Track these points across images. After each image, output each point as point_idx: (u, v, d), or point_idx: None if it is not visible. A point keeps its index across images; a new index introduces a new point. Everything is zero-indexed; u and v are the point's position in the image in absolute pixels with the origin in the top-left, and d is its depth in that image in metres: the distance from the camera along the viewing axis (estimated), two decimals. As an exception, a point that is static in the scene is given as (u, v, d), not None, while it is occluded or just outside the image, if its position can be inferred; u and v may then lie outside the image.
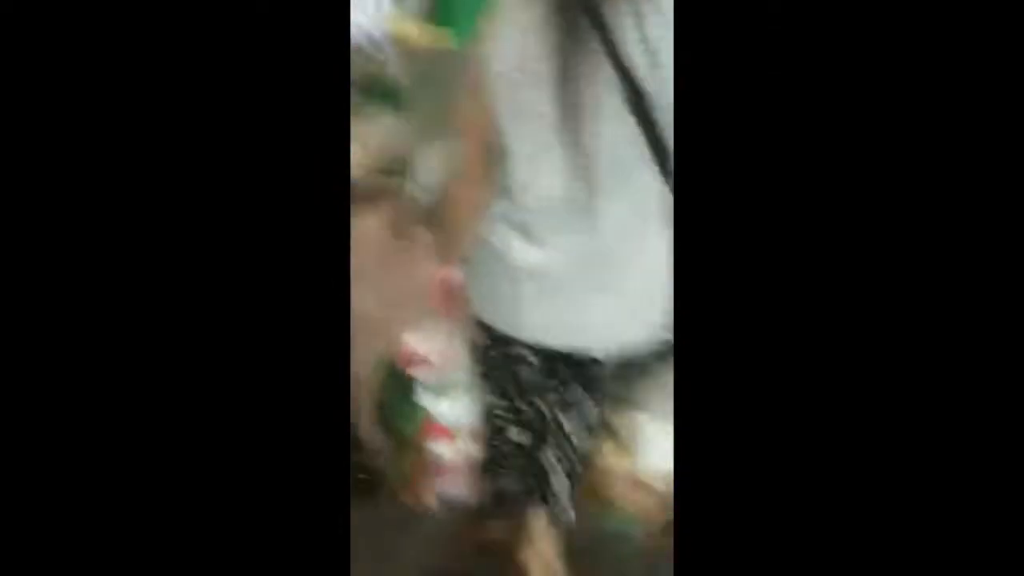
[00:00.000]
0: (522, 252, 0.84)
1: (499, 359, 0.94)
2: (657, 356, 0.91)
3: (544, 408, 0.95)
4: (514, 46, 0.75)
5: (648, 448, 0.97)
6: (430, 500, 1.01)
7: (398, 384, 1.01)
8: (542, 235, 0.82)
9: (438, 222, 1.03)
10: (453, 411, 1.00)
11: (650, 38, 0.69)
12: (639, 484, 0.98)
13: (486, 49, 0.77)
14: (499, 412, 0.97)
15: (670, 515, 0.95)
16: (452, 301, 1.00)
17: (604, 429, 0.98)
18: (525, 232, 0.83)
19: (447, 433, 0.99)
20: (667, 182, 0.76)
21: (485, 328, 0.92)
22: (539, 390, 0.94)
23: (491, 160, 0.84)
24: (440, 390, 1.01)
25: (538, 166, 0.79)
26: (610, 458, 0.99)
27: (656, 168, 0.75)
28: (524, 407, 0.96)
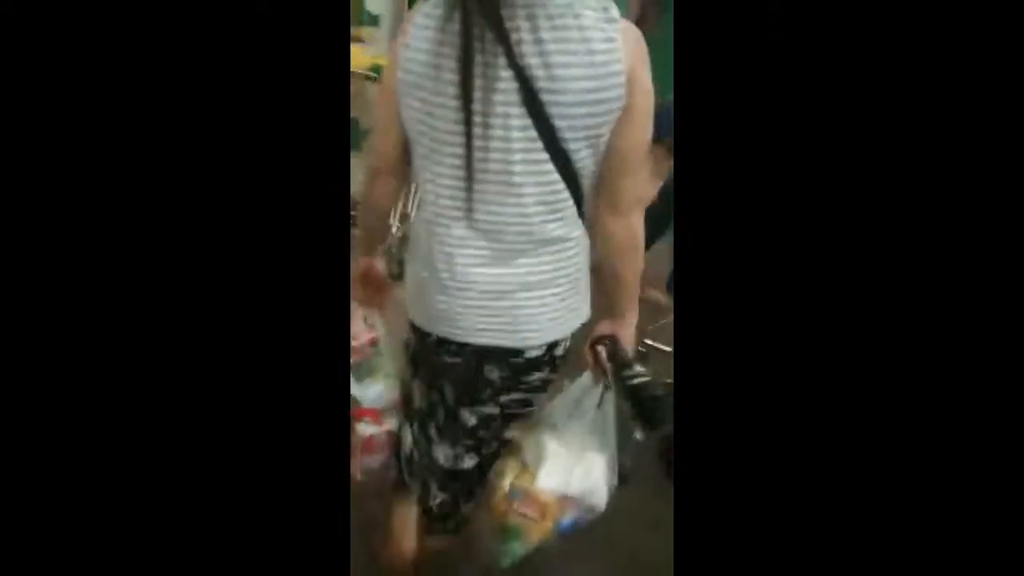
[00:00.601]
0: (435, 251, 0.88)
1: (422, 355, 1.00)
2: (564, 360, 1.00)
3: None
4: (422, 50, 0.79)
5: (548, 469, 0.98)
6: (356, 472, 1.09)
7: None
8: (451, 232, 0.86)
9: (359, 216, 1.04)
10: (377, 394, 1.08)
11: (544, 40, 0.74)
12: (532, 498, 0.99)
13: (398, 53, 0.81)
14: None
15: (551, 530, 1.01)
16: (373, 291, 1.08)
17: (510, 448, 1.03)
18: (435, 229, 0.87)
19: (372, 414, 1.09)
20: (565, 179, 0.82)
21: (413, 328, 0.98)
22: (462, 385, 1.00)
23: (402, 157, 0.89)
24: (365, 374, 1.09)
25: (440, 162, 0.83)
26: (510, 477, 1.00)
27: (552, 165, 0.80)
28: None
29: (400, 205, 1.03)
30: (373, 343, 1.09)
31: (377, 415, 1.09)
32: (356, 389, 1.09)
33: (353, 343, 1.08)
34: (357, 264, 1.06)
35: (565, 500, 0.99)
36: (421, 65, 0.79)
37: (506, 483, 1.01)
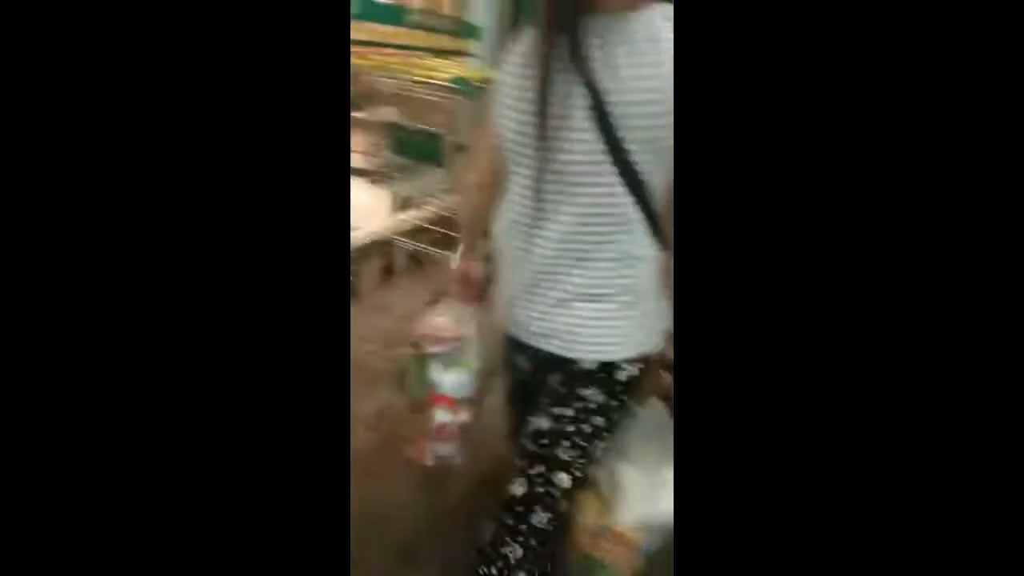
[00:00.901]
0: (510, 256, 0.96)
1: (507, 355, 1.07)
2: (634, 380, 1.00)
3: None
4: (513, 71, 0.87)
5: (627, 498, 0.97)
6: (427, 457, 1.15)
7: (417, 357, 1.15)
8: (520, 239, 0.93)
9: (460, 224, 1.17)
10: (457, 384, 1.14)
11: (613, 57, 0.78)
12: (616, 535, 0.98)
13: (498, 75, 0.92)
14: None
15: (640, 562, 1.00)
16: (468, 290, 1.16)
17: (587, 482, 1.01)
18: (509, 235, 0.95)
19: (449, 402, 1.15)
20: (632, 191, 0.84)
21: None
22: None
23: (496, 171, 0.96)
24: (449, 365, 1.16)
25: (518, 172, 0.90)
26: (591, 514, 0.99)
27: (617, 176, 0.83)
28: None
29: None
30: (461, 338, 1.15)
31: (454, 404, 1.15)
32: (437, 376, 1.15)
33: (443, 334, 1.15)
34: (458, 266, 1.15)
35: (650, 529, 0.97)
36: (511, 86, 0.87)
37: (589, 521, 1.00)
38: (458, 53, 2.74)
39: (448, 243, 2.47)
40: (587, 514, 1.01)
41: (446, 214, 2.53)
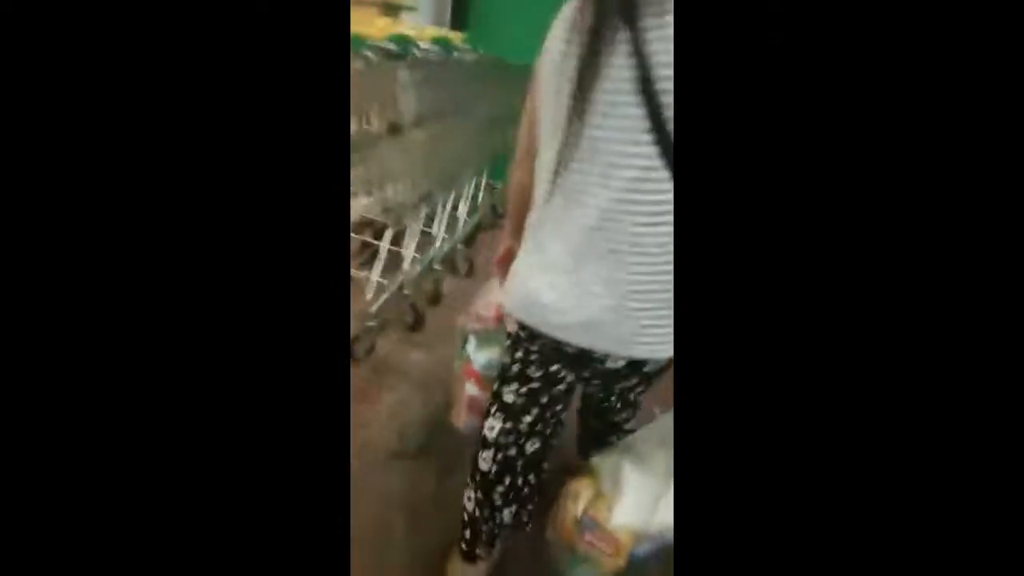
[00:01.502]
0: (529, 236, 0.90)
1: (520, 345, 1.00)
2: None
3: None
4: (558, 38, 0.78)
5: (627, 500, 0.94)
6: (464, 425, 1.24)
7: (462, 333, 1.22)
8: (538, 219, 0.87)
9: (507, 202, 1.13)
10: (486, 362, 1.21)
11: (668, 31, 0.70)
12: (605, 533, 0.95)
13: (546, 43, 0.81)
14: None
15: (624, 565, 0.97)
16: (507, 271, 1.21)
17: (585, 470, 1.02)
18: (532, 215, 0.89)
19: (477, 378, 1.22)
20: (671, 176, 0.75)
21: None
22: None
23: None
24: (482, 343, 1.23)
25: (549, 148, 0.82)
26: (584, 505, 0.97)
27: (661, 162, 0.74)
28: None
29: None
30: (499, 319, 1.21)
31: (482, 381, 1.22)
32: (472, 351, 1.22)
33: (483, 313, 1.21)
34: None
35: (643, 535, 0.95)
36: (556, 53, 0.79)
37: (579, 508, 0.97)
38: (399, 8, 2.30)
39: (369, 253, 2.06)
40: (580, 502, 0.98)
41: (365, 218, 2.06)
